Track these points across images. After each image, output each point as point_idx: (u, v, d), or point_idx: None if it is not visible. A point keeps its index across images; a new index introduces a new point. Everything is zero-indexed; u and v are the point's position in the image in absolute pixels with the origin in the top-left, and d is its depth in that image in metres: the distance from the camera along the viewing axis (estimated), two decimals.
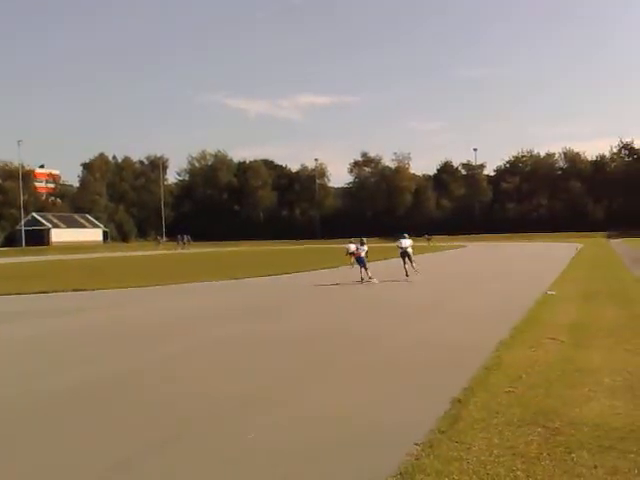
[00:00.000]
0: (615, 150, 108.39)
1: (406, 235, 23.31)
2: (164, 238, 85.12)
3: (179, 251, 68.26)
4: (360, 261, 20.97)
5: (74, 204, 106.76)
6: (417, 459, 4.48)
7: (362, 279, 20.55)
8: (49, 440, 5.31)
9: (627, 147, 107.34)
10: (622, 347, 8.12)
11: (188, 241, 79.37)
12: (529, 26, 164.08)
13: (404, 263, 22.02)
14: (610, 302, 12.89)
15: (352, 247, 22.70)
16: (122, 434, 5.40)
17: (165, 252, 63.72)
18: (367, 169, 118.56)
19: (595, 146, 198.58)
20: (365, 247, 21.41)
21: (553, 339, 8.81)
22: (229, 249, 68.15)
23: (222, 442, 5.12)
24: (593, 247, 48.86)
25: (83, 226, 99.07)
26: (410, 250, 22.30)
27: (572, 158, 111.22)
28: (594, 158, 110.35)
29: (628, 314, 11.13)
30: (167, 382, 7.29)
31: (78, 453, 4.97)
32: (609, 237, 78.52)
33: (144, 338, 10.60)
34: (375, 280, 20.26)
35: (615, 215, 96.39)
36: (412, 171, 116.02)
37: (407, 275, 21.57)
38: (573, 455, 4.43)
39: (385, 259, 29.33)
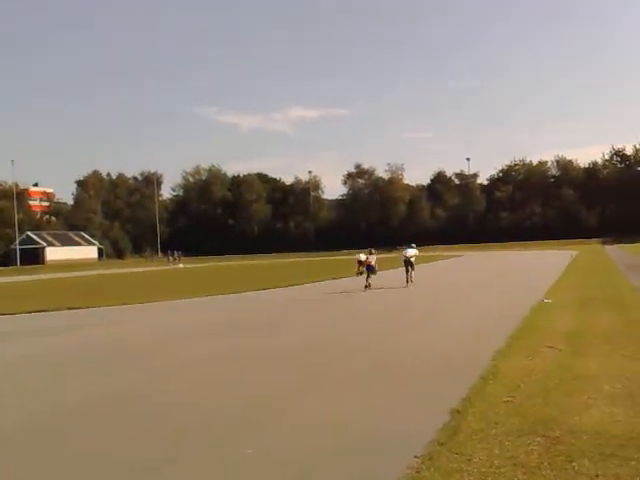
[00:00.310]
0: (607, 157, 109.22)
1: (413, 245, 24.95)
2: (159, 254, 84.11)
3: (170, 267, 67.16)
4: (369, 269, 22.88)
5: (68, 222, 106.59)
6: (417, 472, 4.44)
7: (369, 285, 22.20)
8: (55, 457, 5.24)
9: (619, 154, 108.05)
10: (619, 354, 8.10)
11: (178, 257, 78.55)
12: (520, 36, 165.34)
13: (406, 271, 23.11)
14: (606, 309, 12.89)
15: (362, 257, 24.60)
16: (120, 456, 5.33)
17: (155, 268, 62.55)
18: (361, 180, 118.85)
19: (587, 153, 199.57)
20: (374, 257, 23.48)
21: (550, 347, 8.79)
22: (222, 264, 67.75)
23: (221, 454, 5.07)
24: (588, 254, 49.00)
25: (78, 244, 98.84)
26: (413, 260, 23.50)
27: (564, 166, 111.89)
28: (586, 165, 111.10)
29: (624, 320, 11.12)
30: (163, 396, 7.22)
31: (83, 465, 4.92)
32: (603, 243, 78.76)
33: (140, 355, 10.52)
34: (371, 285, 22.15)
35: (608, 221, 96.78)
36: (406, 182, 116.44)
37: (407, 282, 22.72)
38: (574, 464, 4.40)
39: (393, 268, 29.44)
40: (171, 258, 77.30)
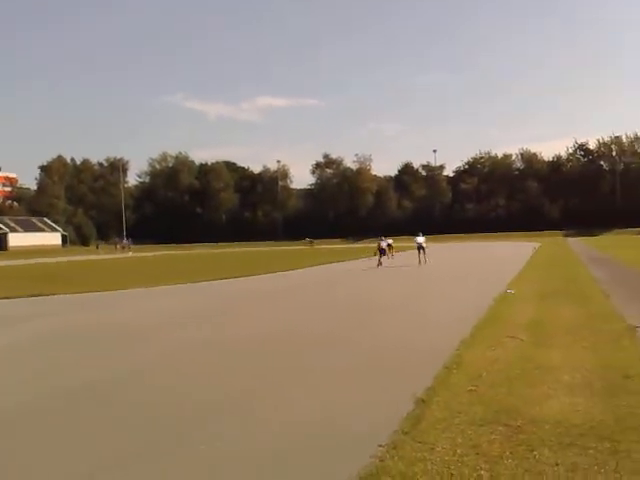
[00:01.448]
0: (571, 151, 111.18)
1: (420, 233, 30.05)
2: (122, 242, 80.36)
3: (117, 256, 62.48)
4: (381, 252, 29.64)
5: (32, 207, 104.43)
6: (381, 461, 4.47)
7: (380, 263, 28.31)
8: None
9: (582, 148, 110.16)
10: (580, 345, 8.26)
11: (127, 245, 75.51)
12: (488, 31, 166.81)
13: (419, 254, 28.95)
14: (568, 301, 13.12)
15: (383, 244, 30.59)
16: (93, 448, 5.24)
17: (97, 257, 57.87)
18: (329, 170, 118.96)
19: (552, 147, 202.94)
20: (384, 242, 30.55)
21: (513, 337, 8.91)
22: (177, 252, 65.98)
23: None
24: (551, 246, 49.89)
25: (41, 230, 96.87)
26: (424, 244, 29.39)
27: (529, 159, 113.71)
28: (550, 159, 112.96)
29: (585, 313, 11.34)
30: (138, 389, 7.13)
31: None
32: (565, 236, 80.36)
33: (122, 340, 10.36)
34: (382, 264, 28.14)
35: (571, 214, 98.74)
36: (374, 172, 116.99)
37: (420, 263, 28.33)
38: (535, 453, 4.48)
39: (403, 251, 34.97)
40: (119, 246, 73.53)
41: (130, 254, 65.40)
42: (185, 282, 22.14)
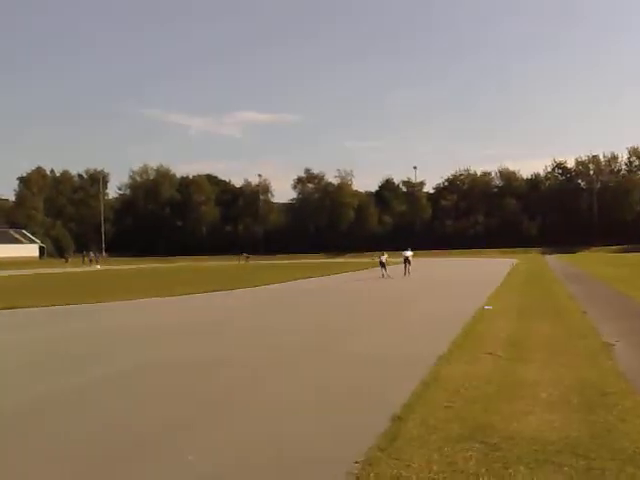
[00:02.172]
0: (549, 169, 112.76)
1: (409, 248, 35.38)
2: (93, 254, 77.47)
3: (84, 269, 60.08)
4: (382, 264, 32.52)
5: (10, 219, 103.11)
6: (357, 478, 4.42)
7: (383, 275, 31.46)
8: None
9: (560, 166, 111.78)
10: (557, 361, 8.29)
11: (95, 257, 73.53)
12: (462, 46, 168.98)
13: (404, 266, 33.63)
14: (545, 317, 13.20)
15: (383, 258, 33.35)
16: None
17: (60, 270, 55.13)
18: (310, 185, 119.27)
19: (531, 165, 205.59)
20: (384, 257, 32.98)
21: (490, 353, 8.92)
22: (150, 266, 64.45)
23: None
24: (528, 263, 50.33)
25: (19, 241, 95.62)
26: (410, 258, 34.22)
27: (507, 176, 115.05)
28: (529, 177, 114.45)
29: (562, 329, 11.41)
30: (83, 410, 6.98)
31: None
32: (543, 253, 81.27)
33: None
34: (391, 275, 31.08)
35: (549, 231, 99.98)
36: (355, 188, 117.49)
37: (404, 274, 32.65)
38: (511, 470, 4.45)
39: (395, 265, 34.82)
40: (86, 259, 71.03)
41: (98, 267, 63.54)
42: (117, 300, 20.36)
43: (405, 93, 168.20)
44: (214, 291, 23.83)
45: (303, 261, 72.79)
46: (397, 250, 40.83)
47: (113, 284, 32.07)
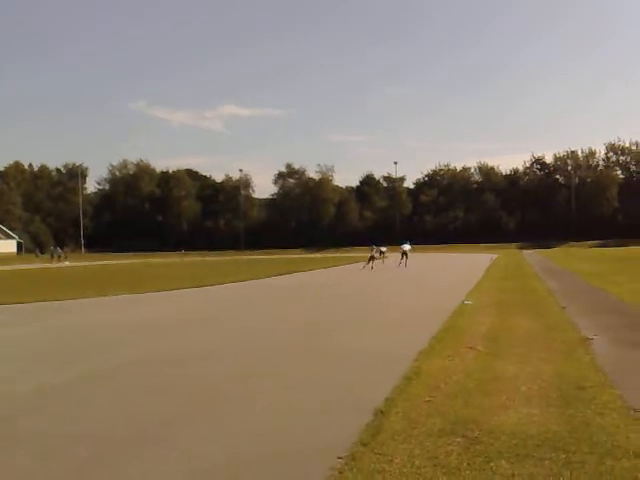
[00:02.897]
0: (528, 165, 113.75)
1: (407, 242, 39.15)
2: (62, 250, 75.15)
3: (54, 265, 58.56)
4: (371, 258, 35.33)
5: None
6: (340, 473, 4.44)
7: (372, 267, 33.82)
8: None
9: (539, 162, 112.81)
10: (536, 356, 8.39)
11: (64, 254, 71.87)
12: (444, 43, 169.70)
13: (401, 259, 36.44)
14: (524, 312, 13.34)
15: (374, 251, 36.66)
16: None
17: (26, 267, 53.33)
18: (291, 180, 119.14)
19: (511, 160, 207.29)
20: (377, 251, 37.17)
21: (470, 348, 9.00)
22: (124, 262, 63.19)
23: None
24: (507, 258, 50.78)
25: None
26: (408, 252, 37.12)
27: (487, 172, 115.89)
28: (508, 172, 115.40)
29: (541, 324, 11.54)
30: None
31: None
32: (522, 248, 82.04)
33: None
34: (373, 268, 33.55)
35: (527, 227, 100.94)
36: (335, 183, 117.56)
37: (403, 265, 35.24)
38: (492, 464, 4.50)
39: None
40: (55, 255, 69.31)
41: (67, 263, 62.20)
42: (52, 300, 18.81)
43: (388, 89, 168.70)
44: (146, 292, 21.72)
45: (283, 256, 72.73)
46: (379, 246, 41.95)
47: (53, 282, 29.91)
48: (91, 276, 36.25)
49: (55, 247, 75.10)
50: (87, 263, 62.63)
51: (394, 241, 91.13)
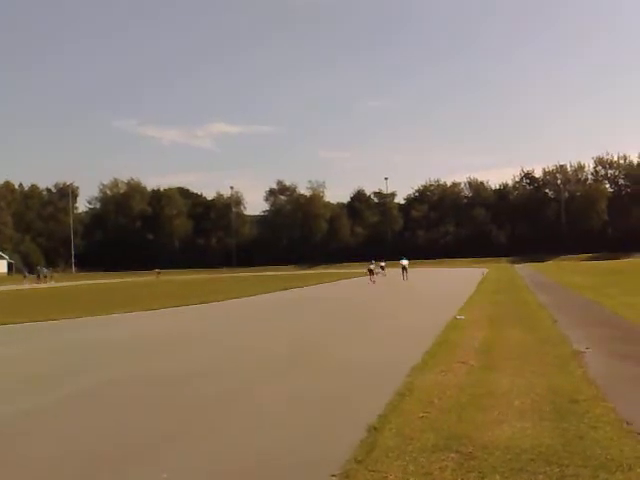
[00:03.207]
0: (517, 179, 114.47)
1: (404, 257, 42.71)
2: (47, 271, 74.38)
3: (41, 285, 58.35)
4: (371, 272, 39.97)
5: None
6: None
7: (374, 282, 36.99)
8: None
9: (528, 176, 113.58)
10: (529, 370, 8.39)
11: (49, 274, 71.80)
12: (431, 54, 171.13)
13: (402, 273, 40.77)
14: (517, 326, 13.36)
15: (372, 267, 41.35)
16: None
17: (10, 288, 51.77)
18: (282, 197, 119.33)
19: (501, 174, 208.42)
20: (372, 265, 41.91)
21: (463, 363, 9.00)
22: (113, 281, 62.72)
23: None
24: (498, 272, 50.91)
25: None
26: (407, 266, 41.37)
27: (476, 187, 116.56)
28: (497, 187, 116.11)
29: (534, 338, 11.55)
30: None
31: None
32: (513, 262, 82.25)
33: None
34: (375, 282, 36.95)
35: (517, 241, 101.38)
36: (327, 199, 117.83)
37: (403, 279, 39.19)
38: (486, 479, 4.49)
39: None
40: (41, 275, 68.79)
41: (53, 283, 61.64)
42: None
43: (376, 102, 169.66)
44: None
45: (275, 273, 72.63)
46: (368, 261, 47.26)
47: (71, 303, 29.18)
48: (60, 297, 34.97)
49: (41, 267, 74.67)
50: (71, 283, 61.74)
51: (386, 256, 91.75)
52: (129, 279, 69.64)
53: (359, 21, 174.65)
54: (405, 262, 41.59)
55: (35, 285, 59.43)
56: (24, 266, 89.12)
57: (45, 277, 68.38)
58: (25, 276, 72.47)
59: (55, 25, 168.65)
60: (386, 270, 44.64)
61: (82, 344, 13.77)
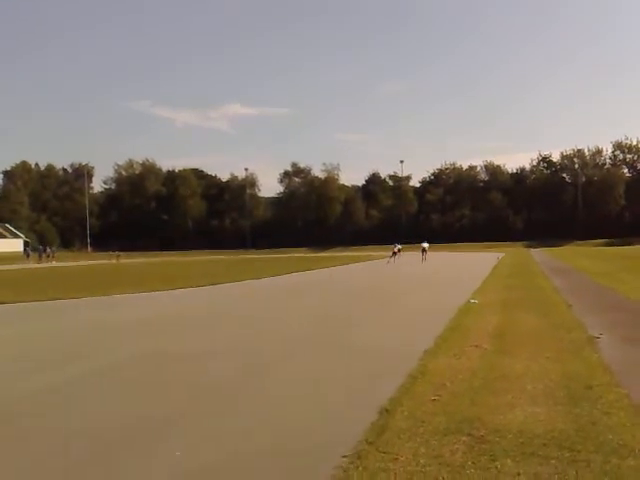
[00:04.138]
0: (534, 163, 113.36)
1: (425, 241, 46.92)
2: (50, 250, 74.03)
3: (43, 265, 58.08)
4: (394, 254, 42.72)
5: None
6: (345, 471, 4.44)
7: (391, 262, 40.44)
8: None
9: (545, 160, 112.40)
10: (543, 355, 8.35)
11: (52, 253, 71.74)
12: (449, 39, 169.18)
13: (422, 255, 43.78)
14: (531, 310, 13.28)
15: (395, 248, 43.83)
16: None
17: (16, 267, 51.23)
18: (297, 179, 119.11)
19: (516, 159, 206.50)
20: (397, 247, 44.16)
21: (476, 346, 8.97)
22: (116, 262, 62.22)
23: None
24: (514, 256, 50.62)
25: (3, 236, 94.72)
26: (427, 248, 44.85)
27: (493, 171, 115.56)
28: (514, 171, 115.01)
29: (548, 322, 11.49)
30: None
31: None
32: (528, 247, 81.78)
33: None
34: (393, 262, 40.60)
35: (534, 225, 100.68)
36: (341, 182, 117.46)
37: (423, 260, 42.35)
38: (497, 463, 4.48)
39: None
40: (43, 255, 68.89)
41: (54, 263, 61.45)
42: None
43: (393, 86, 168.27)
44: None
45: (293, 255, 72.73)
46: (382, 244, 53.82)
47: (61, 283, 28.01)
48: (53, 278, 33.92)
49: (44, 247, 75.09)
50: (72, 263, 61.04)
51: (400, 240, 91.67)
52: (140, 259, 69.75)
53: (378, 3, 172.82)
54: (426, 245, 45.11)
55: (35, 265, 59.20)
56: (28, 246, 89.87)
57: (47, 256, 68.72)
58: (28, 255, 73.18)
59: (71, 5, 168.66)
60: (402, 253, 46.15)
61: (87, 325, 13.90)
